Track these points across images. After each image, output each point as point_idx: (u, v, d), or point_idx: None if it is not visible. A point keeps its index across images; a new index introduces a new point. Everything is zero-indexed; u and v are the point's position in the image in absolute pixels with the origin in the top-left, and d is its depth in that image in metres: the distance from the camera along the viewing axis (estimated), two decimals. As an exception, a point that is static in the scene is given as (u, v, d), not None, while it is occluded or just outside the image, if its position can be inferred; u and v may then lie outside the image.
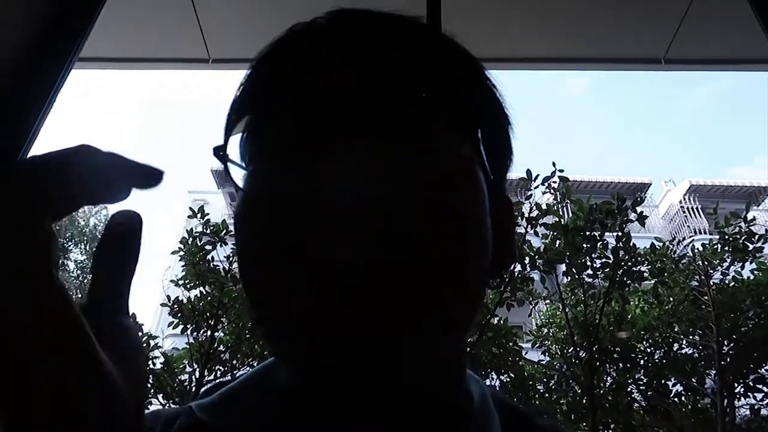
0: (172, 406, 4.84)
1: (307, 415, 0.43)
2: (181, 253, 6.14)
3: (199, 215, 6.18)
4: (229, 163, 0.44)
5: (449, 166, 0.40)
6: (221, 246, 6.10)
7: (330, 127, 0.38)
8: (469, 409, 0.46)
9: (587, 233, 5.31)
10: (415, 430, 0.41)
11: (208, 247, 6.11)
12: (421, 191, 0.37)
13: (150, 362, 5.86)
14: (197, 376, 5.82)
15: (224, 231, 6.12)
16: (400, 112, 0.40)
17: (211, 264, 6.07)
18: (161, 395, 5.63)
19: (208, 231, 6.14)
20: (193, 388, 5.65)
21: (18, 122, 1.40)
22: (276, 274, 0.37)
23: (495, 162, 0.46)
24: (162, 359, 5.96)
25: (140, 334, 5.77)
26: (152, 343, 5.93)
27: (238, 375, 0.53)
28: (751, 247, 5.39)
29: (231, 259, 6.05)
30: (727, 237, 5.49)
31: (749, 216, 5.48)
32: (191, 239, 6.15)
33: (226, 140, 0.46)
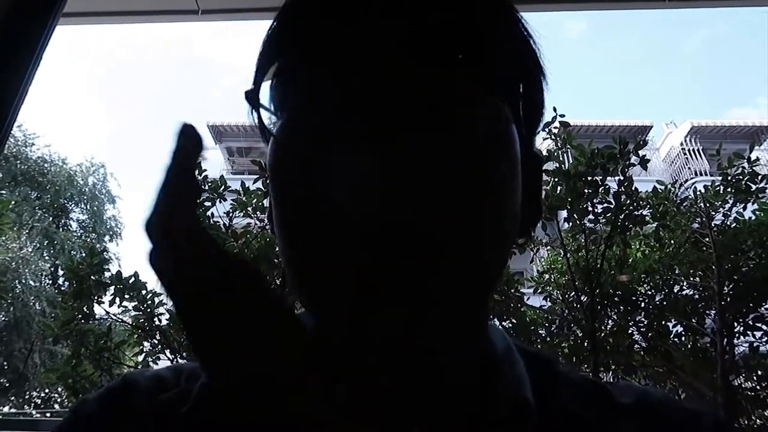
0: (180, 361, 4.91)
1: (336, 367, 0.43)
2: (181, 209, 6.11)
3: (196, 171, 6.13)
4: (261, 110, 0.42)
5: (489, 132, 0.40)
6: (220, 202, 6.07)
7: (373, 89, 0.37)
8: (494, 356, 0.47)
9: (589, 178, 5.27)
10: (441, 380, 0.43)
11: (207, 203, 6.09)
12: (459, 158, 0.38)
13: (156, 319, 5.92)
14: (203, 331, 5.88)
15: (222, 187, 6.08)
16: (443, 73, 0.39)
17: (211, 220, 6.06)
18: (168, 351, 5.71)
19: (207, 187, 6.10)
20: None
21: (3, 82, 1.35)
22: (327, 226, 0.38)
23: (529, 118, 0.46)
24: (167, 316, 6.01)
25: (144, 291, 5.83)
26: (157, 300, 5.96)
27: None
28: (753, 187, 5.35)
29: (231, 215, 6.04)
30: (729, 178, 5.45)
31: (752, 156, 5.42)
32: (190, 196, 6.11)
33: (258, 83, 0.43)
